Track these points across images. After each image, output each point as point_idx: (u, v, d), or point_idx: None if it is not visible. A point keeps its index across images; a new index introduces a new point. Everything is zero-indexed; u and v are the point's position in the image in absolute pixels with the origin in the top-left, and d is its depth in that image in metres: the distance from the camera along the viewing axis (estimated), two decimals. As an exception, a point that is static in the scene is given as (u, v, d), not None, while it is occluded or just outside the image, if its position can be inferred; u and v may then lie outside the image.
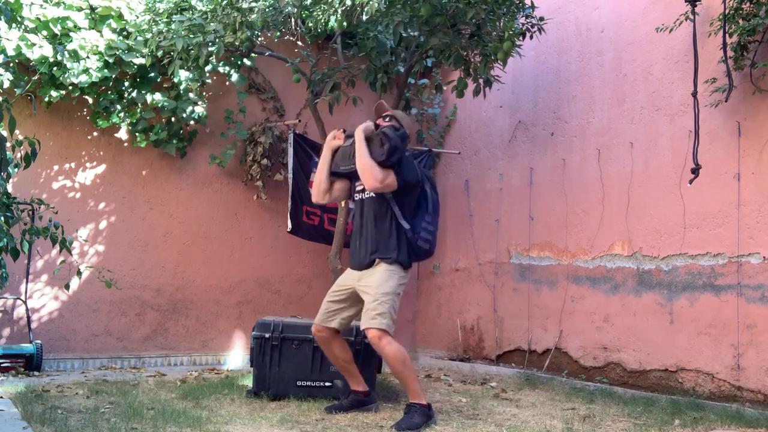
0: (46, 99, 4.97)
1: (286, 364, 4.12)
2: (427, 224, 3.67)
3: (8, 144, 3.62)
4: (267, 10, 4.36)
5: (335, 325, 3.75)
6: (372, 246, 3.65)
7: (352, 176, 3.78)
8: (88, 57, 4.75)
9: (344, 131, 3.86)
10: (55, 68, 4.75)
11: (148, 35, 4.71)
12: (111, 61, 4.87)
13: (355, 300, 3.72)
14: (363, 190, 3.75)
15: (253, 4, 4.33)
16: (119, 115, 5.19)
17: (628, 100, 4.98)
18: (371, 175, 3.53)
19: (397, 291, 3.60)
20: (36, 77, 4.86)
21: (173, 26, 4.49)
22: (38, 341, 4.93)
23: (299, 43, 5.54)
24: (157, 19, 4.68)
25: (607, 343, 4.95)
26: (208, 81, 5.65)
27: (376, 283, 3.58)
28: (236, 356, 5.83)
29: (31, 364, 4.81)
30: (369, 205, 3.70)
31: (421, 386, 3.59)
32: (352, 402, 3.83)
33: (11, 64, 4.67)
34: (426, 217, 3.68)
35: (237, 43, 4.51)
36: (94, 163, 5.42)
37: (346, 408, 3.79)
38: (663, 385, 4.55)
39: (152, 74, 5.23)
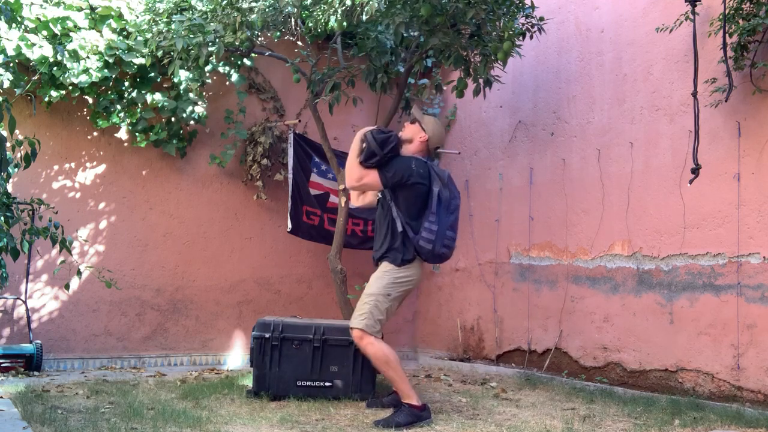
0: (46, 99, 4.97)
1: (286, 364, 4.12)
2: (429, 224, 3.64)
3: (8, 144, 3.62)
4: (267, 10, 4.36)
5: None
6: (377, 244, 3.80)
7: None
8: (88, 57, 4.75)
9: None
10: (55, 68, 4.75)
11: (148, 35, 4.71)
12: (111, 61, 4.87)
13: None
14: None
15: (253, 4, 4.32)
16: (119, 115, 5.19)
17: (628, 100, 4.98)
18: (348, 174, 3.75)
19: (386, 291, 3.65)
20: (36, 77, 4.85)
21: (173, 26, 4.48)
22: (38, 341, 4.93)
23: (299, 43, 5.54)
24: (157, 19, 4.68)
25: (607, 343, 4.95)
26: (208, 81, 5.65)
27: (369, 284, 3.72)
28: (236, 356, 5.83)
29: (31, 364, 4.82)
30: (379, 205, 3.86)
31: (411, 386, 3.61)
32: (391, 401, 3.89)
33: (11, 64, 4.67)
34: (429, 216, 3.65)
35: (237, 43, 4.51)
36: (94, 163, 5.42)
37: (385, 405, 3.88)
38: (663, 385, 4.55)
39: (152, 74, 5.23)
